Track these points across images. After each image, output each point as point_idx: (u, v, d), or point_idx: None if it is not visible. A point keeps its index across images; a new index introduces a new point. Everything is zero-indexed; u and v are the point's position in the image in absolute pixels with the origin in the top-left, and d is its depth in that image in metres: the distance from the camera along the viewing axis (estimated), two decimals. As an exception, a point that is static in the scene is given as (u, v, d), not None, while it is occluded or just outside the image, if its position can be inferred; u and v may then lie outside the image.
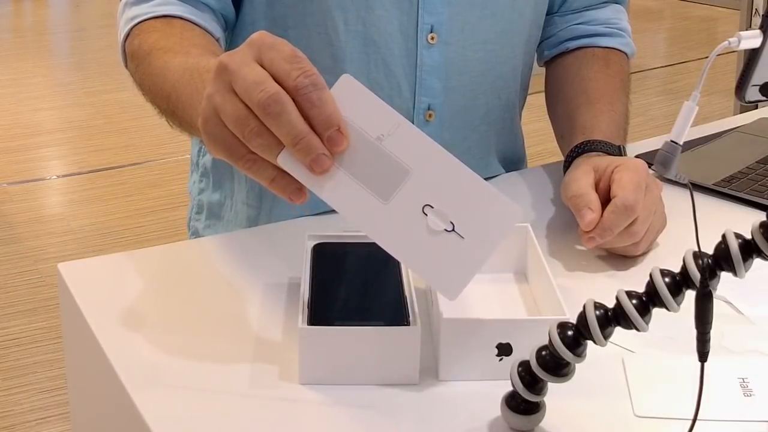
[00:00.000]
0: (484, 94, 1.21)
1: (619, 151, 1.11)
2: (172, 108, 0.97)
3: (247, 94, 0.72)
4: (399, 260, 0.77)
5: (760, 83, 1.14)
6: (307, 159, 0.72)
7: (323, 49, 1.13)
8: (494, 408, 0.75)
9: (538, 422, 0.74)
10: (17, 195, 3.31)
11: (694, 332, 0.66)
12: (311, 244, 0.92)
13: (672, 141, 0.95)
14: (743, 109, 2.28)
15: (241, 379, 0.80)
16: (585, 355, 0.71)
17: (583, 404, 0.78)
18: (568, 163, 1.12)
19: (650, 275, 0.69)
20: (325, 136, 0.72)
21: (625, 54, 1.29)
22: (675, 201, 1.07)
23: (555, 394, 0.74)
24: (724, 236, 0.68)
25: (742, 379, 0.81)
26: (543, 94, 1.31)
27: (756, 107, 1.62)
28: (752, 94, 1.14)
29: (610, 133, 1.14)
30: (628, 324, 0.69)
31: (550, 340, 0.71)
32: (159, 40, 1.04)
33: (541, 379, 0.72)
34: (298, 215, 1.10)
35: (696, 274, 0.67)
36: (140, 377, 0.81)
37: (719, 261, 0.68)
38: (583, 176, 1.02)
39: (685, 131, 0.95)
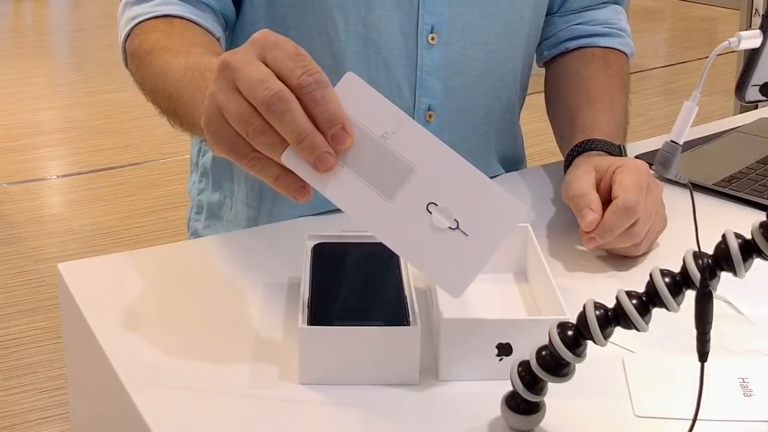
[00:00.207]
0: (484, 94, 1.22)
1: (619, 150, 1.11)
2: (173, 107, 0.97)
3: (250, 92, 0.72)
4: (403, 258, 0.77)
5: (760, 83, 1.14)
6: (311, 157, 0.72)
7: (323, 49, 1.13)
8: (494, 408, 0.75)
9: (538, 422, 0.74)
10: (17, 195, 3.31)
11: (694, 332, 0.66)
12: (311, 244, 0.92)
13: (672, 141, 0.95)
14: (743, 109, 2.28)
15: (241, 379, 0.80)
16: (585, 355, 0.71)
17: (583, 404, 0.78)
18: (568, 163, 1.12)
19: (650, 275, 0.69)
20: (329, 134, 0.72)
21: (625, 54, 1.29)
22: (675, 201, 1.07)
23: (555, 394, 0.74)
24: (724, 236, 0.68)
25: (742, 379, 0.81)
26: (542, 95, 1.31)
27: (756, 107, 1.61)
28: (752, 94, 1.14)
29: (610, 133, 1.14)
30: (628, 324, 0.69)
31: (550, 340, 0.71)
32: (160, 40, 1.04)
33: (541, 379, 0.72)
34: (298, 215, 1.10)
35: (696, 274, 0.67)
36: (140, 377, 0.81)
37: (719, 261, 0.68)
38: (584, 176, 1.02)
39: (685, 131, 0.95)
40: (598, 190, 1.01)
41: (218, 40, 1.10)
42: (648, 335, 0.73)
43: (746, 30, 0.97)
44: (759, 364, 0.84)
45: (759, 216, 0.69)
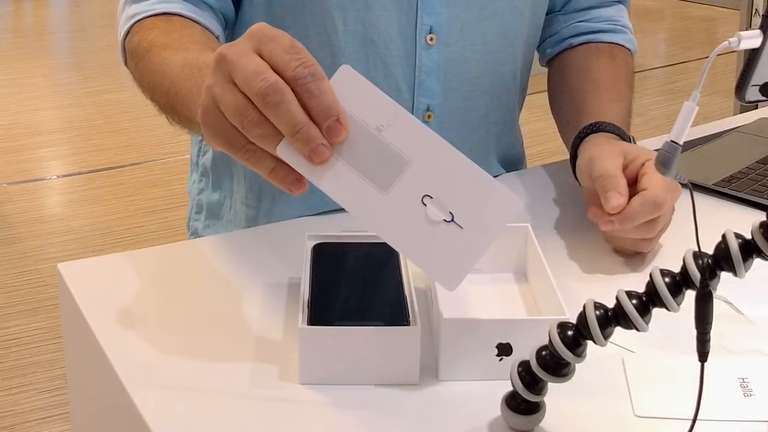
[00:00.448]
0: (484, 95, 1.21)
1: (629, 140, 1.11)
2: (171, 104, 0.97)
3: (246, 84, 0.72)
4: (398, 251, 0.77)
5: (760, 83, 1.14)
6: (306, 149, 0.72)
7: (322, 49, 1.13)
8: (494, 408, 0.75)
9: (538, 422, 0.74)
10: (17, 195, 3.31)
11: (694, 332, 0.66)
12: (311, 244, 0.92)
13: (672, 141, 0.95)
14: (743, 109, 2.28)
15: (241, 379, 0.80)
16: (585, 355, 0.71)
17: (583, 404, 0.78)
18: (577, 144, 1.10)
19: (650, 275, 0.69)
20: (324, 127, 0.72)
21: (629, 51, 1.29)
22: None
23: (555, 394, 0.74)
24: (724, 236, 0.68)
25: (742, 379, 0.81)
26: (542, 95, 1.30)
27: (756, 107, 1.61)
28: (752, 94, 1.14)
29: (619, 121, 1.13)
30: (628, 324, 0.69)
31: (550, 340, 0.71)
32: (158, 37, 1.04)
33: (541, 379, 0.72)
34: (297, 215, 1.10)
35: (696, 274, 0.67)
36: (140, 377, 0.81)
37: (719, 261, 0.68)
38: (613, 157, 1.01)
39: (685, 131, 0.95)
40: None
41: (217, 38, 1.10)
42: (648, 335, 0.73)
43: (746, 30, 0.97)
44: (759, 364, 0.84)
45: (759, 216, 0.69)
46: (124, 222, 3.12)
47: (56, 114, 4.03)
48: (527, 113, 1.35)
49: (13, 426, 2.17)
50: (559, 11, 1.29)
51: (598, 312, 0.70)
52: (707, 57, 0.87)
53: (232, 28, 1.18)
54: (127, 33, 1.09)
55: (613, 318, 0.69)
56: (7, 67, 4.60)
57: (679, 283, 0.68)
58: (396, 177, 0.74)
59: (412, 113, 1.16)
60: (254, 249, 1.03)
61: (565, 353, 0.70)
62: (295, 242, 0.97)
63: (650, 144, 1.27)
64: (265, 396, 0.79)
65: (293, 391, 0.79)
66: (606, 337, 0.70)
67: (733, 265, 0.67)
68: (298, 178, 0.74)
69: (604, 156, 1.02)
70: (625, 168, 1.01)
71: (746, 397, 0.79)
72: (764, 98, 1.15)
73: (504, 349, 0.80)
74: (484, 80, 1.20)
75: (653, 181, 0.98)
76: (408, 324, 0.80)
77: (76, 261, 0.99)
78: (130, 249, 1.04)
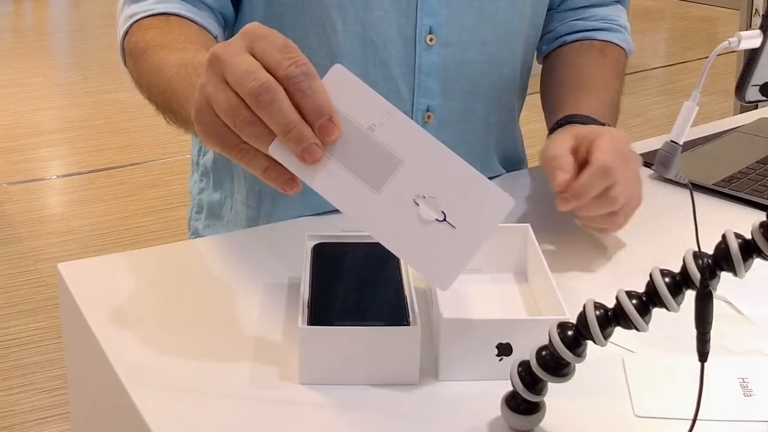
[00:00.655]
0: (483, 95, 1.21)
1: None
2: (167, 103, 0.97)
3: (238, 83, 0.72)
4: (390, 250, 0.77)
5: (760, 83, 1.14)
6: (298, 148, 0.72)
7: (321, 50, 1.13)
8: (494, 408, 0.75)
9: (538, 422, 0.74)
10: (17, 195, 3.31)
11: (694, 332, 0.66)
12: (311, 244, 0.92)
13: (672, 141, 0.96)
14: (743, 109, 2.28)
15: (241, 380, 0.80)
16: (585, 355, 0.71)
17: (583, 404, 0.78)
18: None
19: (650, 275, 0.69)
20: (317, 126, 0.72)
21: (623, 50, 1.29)
22: (675, 201, 1.07)
23: (555, 394, 0.74)
24: (724, 236, 0.68)
25: (742, 379, 0.81)
26: (542, 93, 1.30)
27: (756, 107, 1.62)
28: (752, 94, 1.14)
29: (595, 112, 1.12)
30: (628, 324, 0.69)
31: (550, 340, 0.71)
32: (156, 37, 1.04)
33: (541, 379, 0.72)
34: (297, 216, 1.10)
35: (696, 274, 0.67)
36: (140, 377, 0.81)
37: (719, 261, 0.68)
38: (563, 141, 1.01)
39: (685, 131, 0.95)
40: (576, 156, 0.99)
41: (215, 38, 1.10)
42: (648, 335, 0.73)
43: (746, 30, 0.97)
44: (759, 364, 0.84)
45: (759, 216, 0.69)
46: (124, 222, 3.12)
47: (56, 114, 4.03)
48: (527, 113, 1.35)
49: (13, 426, 2.17)
50: (555, 9, 1.29)
51: (598, 312, 0.70)
52: (707, 57, 0.87)
53: (231, 28, 1.18)
54: (126, 33, 1.09)
55: (613, 318, 0.69)
56: (7, 67, 4.60)
57: (679, 283, 0.68)
58: (388, 176, 0.74)
59: (412, 114, 1.17)
60: (254, 249, 1.03)
61: (565, 353, 0.70)
62: (295, 242, 0.97)
63: (650, 144, 1.28)
64: (265, 396, 0.79)
65: (293, 391, 0.79)
66: (606, 337, 0.70)
67: (733, 265, 0.67)
68: (292, 178, 0.74)
69: (555, 141, 1.02)
70: (577, 147, 1.00)
71: (746, 397, 0.79)
72: (764, 98, 1.15)
73: (504, 349, 0.80)
74: (484, 81, 1.20)
75: (601, 149, 0.96)
76: (408, 324, 0.80)
77: (76, 261, 0.99)
78: (130, 249, 1.04)
